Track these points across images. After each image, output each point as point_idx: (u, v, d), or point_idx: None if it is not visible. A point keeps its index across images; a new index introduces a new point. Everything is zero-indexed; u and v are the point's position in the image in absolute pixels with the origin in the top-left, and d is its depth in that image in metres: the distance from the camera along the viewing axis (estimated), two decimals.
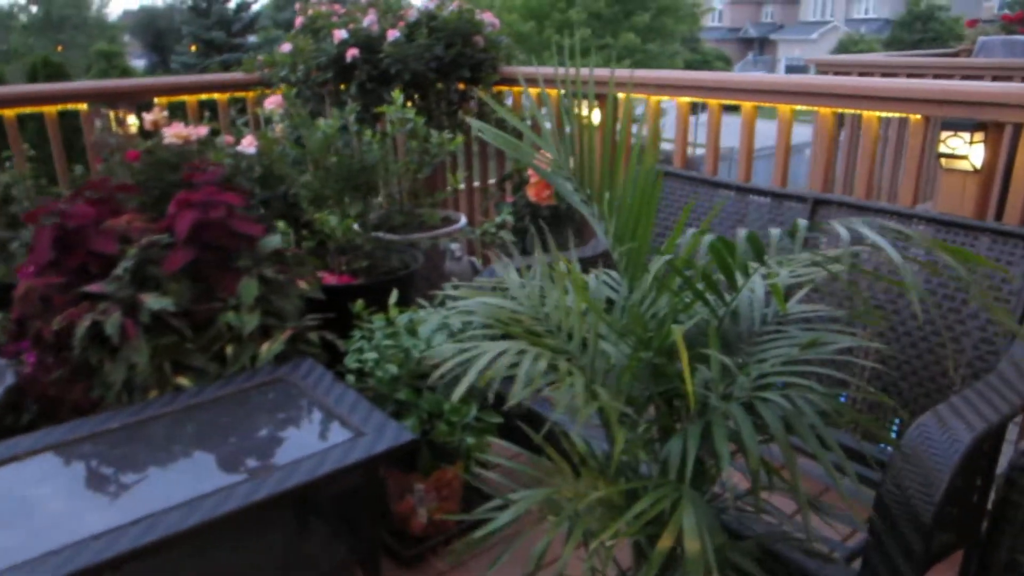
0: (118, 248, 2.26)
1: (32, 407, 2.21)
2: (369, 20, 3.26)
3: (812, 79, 2.74)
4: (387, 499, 2.30)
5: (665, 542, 1.13)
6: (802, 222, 1.27)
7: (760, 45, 41.80)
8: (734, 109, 3.03)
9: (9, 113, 3.20)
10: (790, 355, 1.39)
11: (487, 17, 3.55)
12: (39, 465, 1.82)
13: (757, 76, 3.00)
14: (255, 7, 28.62)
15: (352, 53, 3.19)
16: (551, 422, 1.51)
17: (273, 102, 3.19)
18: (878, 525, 1.41)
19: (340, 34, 3.21)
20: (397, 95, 2.71)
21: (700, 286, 1.46)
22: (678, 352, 1.53)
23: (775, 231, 1.29)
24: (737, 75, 2.74)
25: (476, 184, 3.87)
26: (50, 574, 1.41)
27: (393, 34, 3.19)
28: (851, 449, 1.88)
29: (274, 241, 2.41)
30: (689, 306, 1.53)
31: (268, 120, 3.15)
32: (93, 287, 2.17)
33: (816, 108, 2.65)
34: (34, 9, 41.52)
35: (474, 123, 1.70)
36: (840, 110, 2.75)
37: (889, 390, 1.91)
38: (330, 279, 3.05)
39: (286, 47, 3.39)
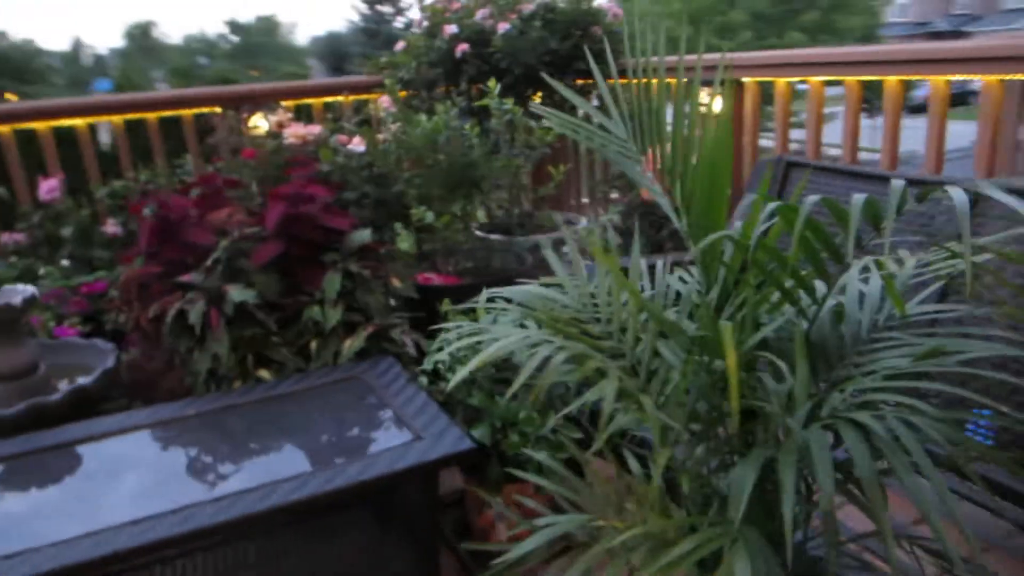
0: (214, 240, 2.30)
1: (123, 390, 2.28)
2: (481, 14, 3.18)
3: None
4: (467, 513, 2.18)
5: None
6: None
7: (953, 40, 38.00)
8: (920, 110, 2.59)
9: (152, 116, 3.41)
10: (899, 367, 1.10)
11: (609, 6, 3.36)
12: (119, 445, 1.86)
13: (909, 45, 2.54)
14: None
15: (462, 48, 3.12)
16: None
17: (386, 102, 3.18)
18: None
19: (450, 29, 3.16)
20: (493, 85, 2.59)
21: (789, 283, 1.22)
22: (756, 361, 1.29)
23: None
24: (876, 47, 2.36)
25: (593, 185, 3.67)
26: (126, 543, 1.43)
27: (504, 27, 3.09)
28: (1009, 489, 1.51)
29: (362, 236, 2.36)
30: (777, 306, 1.28)
31: (382, 121, 3.14)
32: (185, 277, 2.21)
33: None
34: (235, 39, 46.18)
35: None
36: None
37: None
38: (436, 279, 2.99)
39: (400, 46, 3.39)
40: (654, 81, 1.41)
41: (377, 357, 2.19)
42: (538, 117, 3.00)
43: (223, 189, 2.57)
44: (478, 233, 2.83)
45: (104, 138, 4.00)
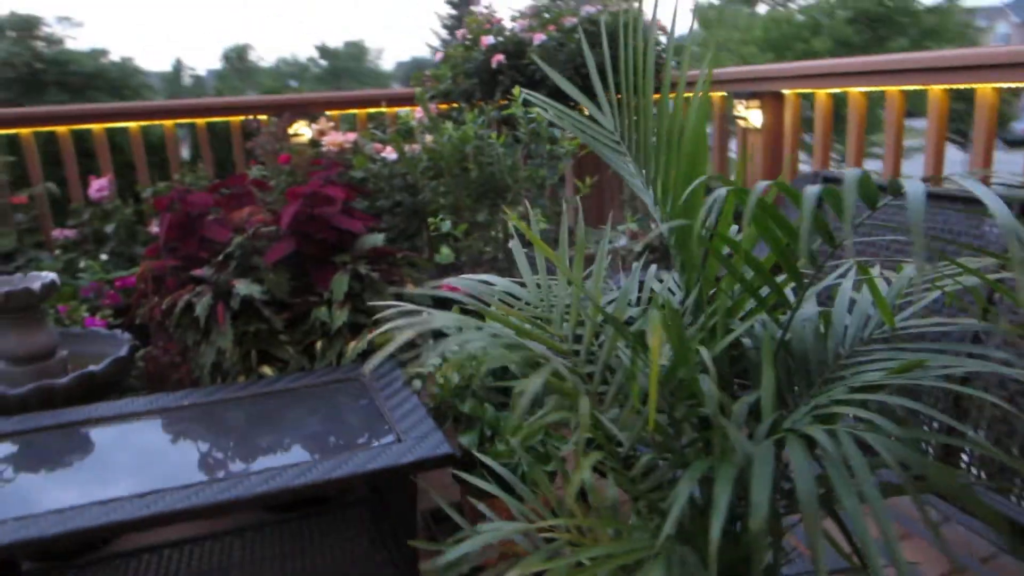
0: (231, 237, 2.32)
1: (138, 380, 2.32)
2: (520, 26, 3.16)
3: None
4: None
5: None
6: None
7: None
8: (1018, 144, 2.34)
9: (200, 122, 3.52)
10: (870, 380, 0.99)
11: (657, 21, 3.29)
12: (115, 428, 1.89)
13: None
14: None
15: (498, 59, 3.11)
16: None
17: (420, 113, 3.19)
18: None
19: (487, 40, 3.15)
20: (517, 92, 2.55)
21: (764, 291, 1.13)
22: (729, 372, 1.19)
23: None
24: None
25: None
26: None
27: (539, 38, 3.06)
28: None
29: (374, 239, 2.35)
30: (752, 313, 1.19)
31: (412, 130, 3.15)
32: (198, 271, 2.24)
33: None
34: (324, 63, 48.00)
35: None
36: None
37: None
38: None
39: (439, 57, 3.40)
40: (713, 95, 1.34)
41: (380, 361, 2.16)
42: (565, 100, 2.95)
43: (251, 190, 2.61)
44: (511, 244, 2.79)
45: (184, 153, 4.18)
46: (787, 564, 1.26)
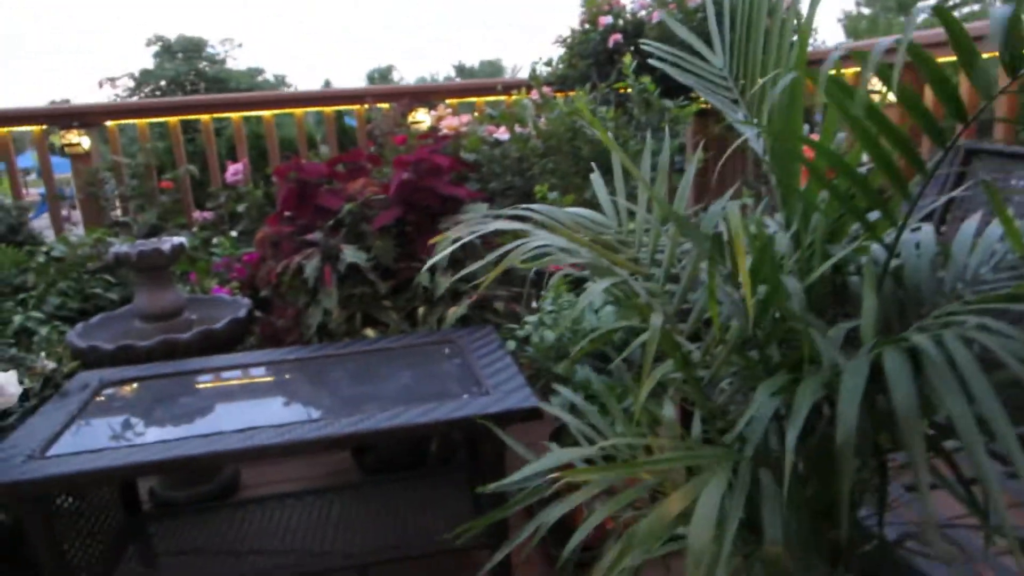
0: (342, 206, 2.40)
1: (254, 341, 2.43)
2: (640, 3, 3.09)
3: None
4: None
5: (670, 506, 0.75)
6: None
7: None
8: None
9: (328, 110, 3.69)
10: (988, 304, 0.86)
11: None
12: (229, 375, 1.99)
13: None
14: None
15: (615, 39, 3.05)
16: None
17: (535, 95, 3.19)
18: None
19: (605, 20, 3.10)
20: (628, 59, 2.48)
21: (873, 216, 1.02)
22: (830, 298, 1.08)
23: None
24: None
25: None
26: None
27: (659, 16, 2.98)
28: None
29: (479, 207, 2.35)
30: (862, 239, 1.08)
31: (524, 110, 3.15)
32: (310, 236, 2.32)
33: None
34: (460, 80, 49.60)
35: (652, 45, 1.45)
36: None
37: None
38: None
39: (557, 38, 3.39)
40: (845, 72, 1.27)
41: (479, 325, 2.16)
42: (676, 95, 2.85)
43: (365, 165, 2.69)
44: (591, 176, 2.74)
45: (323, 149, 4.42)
46: (891, 525, 1.13)
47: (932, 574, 1.30)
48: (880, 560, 1.03)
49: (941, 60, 0.82)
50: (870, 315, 0.90)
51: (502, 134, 3.08)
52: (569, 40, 3.34)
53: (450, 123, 3.34)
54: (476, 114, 3.60)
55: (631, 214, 1.19)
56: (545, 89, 3.07)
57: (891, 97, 0.90)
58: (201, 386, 1.92)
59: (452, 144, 2.77)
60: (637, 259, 1.10)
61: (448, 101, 3.72)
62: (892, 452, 0.94)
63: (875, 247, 1.05)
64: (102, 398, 1.86)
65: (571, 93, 3.44)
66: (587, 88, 2.64)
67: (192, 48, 19.91)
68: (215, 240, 3.22)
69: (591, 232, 1.12)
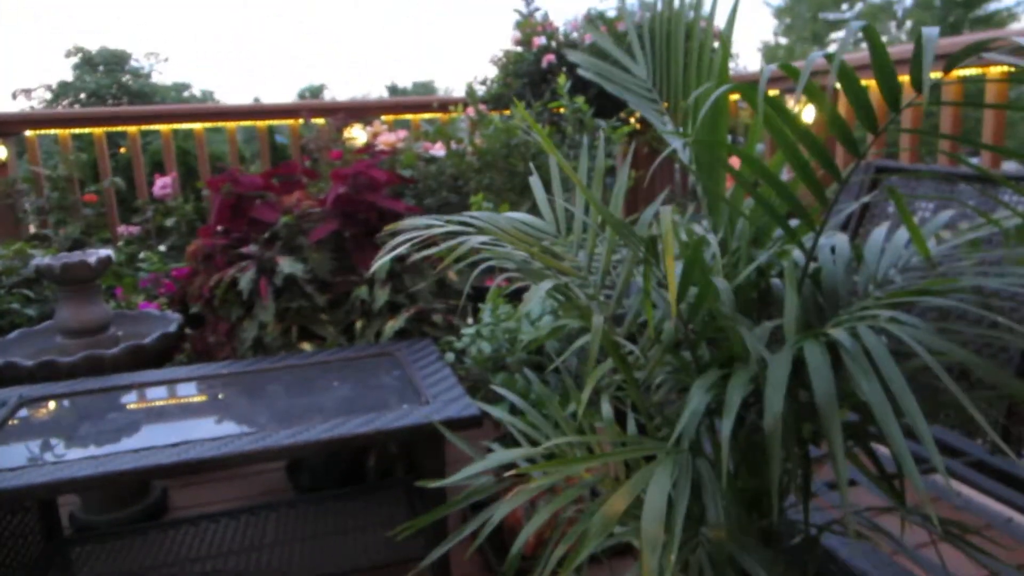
0: (278, 218, 2.37)
1: (185, 357, 2.37)
2: (572, 27, 3.18)
3: None
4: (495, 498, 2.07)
5: (618, 499, 0.78)
6: None
7: None
8: None
9: (261, 124, 3.64)
10: (898, 299, 0.93)
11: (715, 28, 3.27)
12: (157, 391, 1.94)
13: None
14: None
15: (548, 59, 3.13)
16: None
17: (471, 112, 3.23)
18: None
19: (539, 41, 3.18)
20: (562, 80, 2.55)
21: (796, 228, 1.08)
22: (755, 301, 1.14)
23: None
24: None
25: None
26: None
27: (590, 39, 3.07)
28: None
29: (416, 222, 2.36)
30: (784, 243, 1.14)
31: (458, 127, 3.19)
32: (245, 249, 2.29)
33: None
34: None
35: (576, 56, 1.50)
36: None
37: None
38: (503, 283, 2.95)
39: (492, 57, 3.45)
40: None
41: (417, 339, 2.17)
42: (609, 115, 2.95)
43: (301, 179, 2.68)
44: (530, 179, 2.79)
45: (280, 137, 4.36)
46: (817, 512, 1.19)
47: (853, 563, 1.38)
48: (805, 548, 1.09)
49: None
50: (792, 313, 0.96)
51: (438, 150, 3.11)
52: (503, 60, 3.41)
53: (386, 139, 3.36)
54: (412, 130, 3.63)
55: (569, 220, 1.23)
56: (481, 107, 3.12)
57: (807, 114, 0.96)
58: (131, 401, 1.87)
59: (388, 160, 2.78)
60: (576, 264, 1.14)
61: (384, 117, 3.73)
62: (815, 443, 1.00)
63: (795, 252, 1.12)
64: (21, 416, 1.79)
65: (506, 112, 3.51)
66: (522, 106, 2.70)
67: (115, 61, 19.25)
68: (142, 255, 3.13)
69: (531, 238, 1.15)
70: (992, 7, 25.27)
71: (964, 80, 2.38)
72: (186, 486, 2.49)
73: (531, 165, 1.50)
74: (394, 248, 1.27)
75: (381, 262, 1.19)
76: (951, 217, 1.24)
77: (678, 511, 0.81)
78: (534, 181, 1.30)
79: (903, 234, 1.12)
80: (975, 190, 1.74)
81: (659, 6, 1.32)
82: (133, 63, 20.42)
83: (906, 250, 1.12)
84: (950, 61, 0.78)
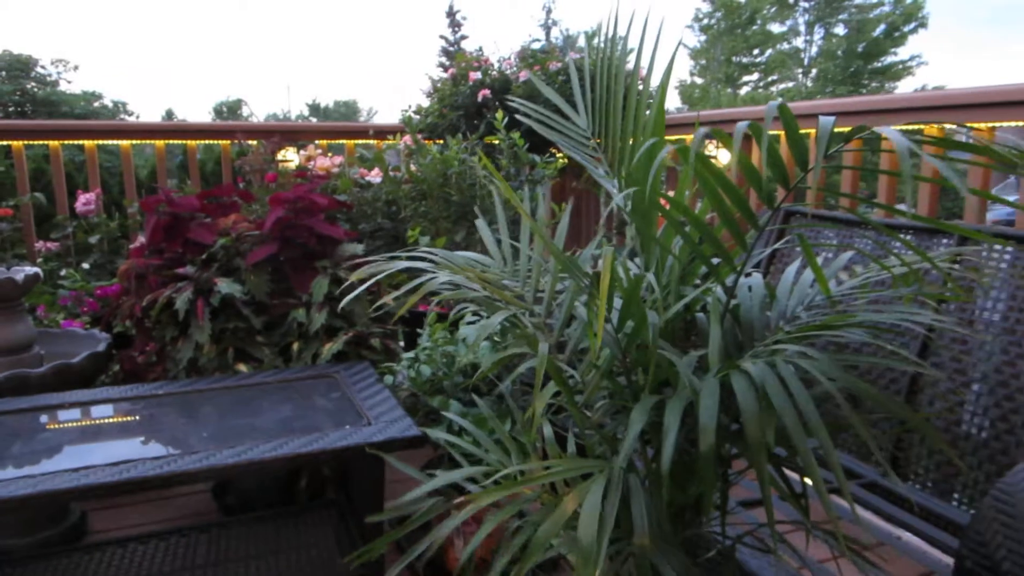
0: (215, 240, 2.39)
1: (114, 378, 2.34)
2: (506, 65, 3.32)
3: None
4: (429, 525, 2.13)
5: (566, 506, 0.88)
6: None
7: None
8: None
9: (192, 143, 3.62)
10: (805, 332, 1.07)
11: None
12: (88, 411, 1.91)
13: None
14: None
15: (484, 94, 3.26)
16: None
17: (408, 140, 3.32)
18: None
19: (475, 76, 3.30)
20: (500, 116, 2.68)
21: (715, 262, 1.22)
22: (685, 334, 1.27)
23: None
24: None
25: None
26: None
27: (525, 75, 3.22)
28: (923, 507, 1.46)
29: (354, 248, 2.43)
30: (704, 278, 1.28)
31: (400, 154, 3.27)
32: (181, 269, 2.29)
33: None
34: (313, 120, 48.71)
35: (518, 102, 1.62)
36: None
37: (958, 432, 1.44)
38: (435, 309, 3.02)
39: (427, 88, 3.55)
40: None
41: (355, 362, 2.22)
42: (543, 150, 3.09)
43: (236, 201, 2.69)
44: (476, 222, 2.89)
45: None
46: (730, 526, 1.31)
47: (762, 573, 1.51)
48: (722, 559, 1.21)
49: (771, 132, 1.03)
50: (715, 344, 1.09)
51: (375, 176, 3.18)
52: (439, 91, 3.51)
53: (322, 163, 3.40)
54: (347, 155, 3.67)
55: (515, 255, 1.34)
56: (418, 136, 3.21)
57: (724, 164, 1.10)
58: (63, 421, 1.85)
59: (324, 185, 2.83)
60: (522, 296, 1.24)
61: (318, 142, 3.77)
62: (729, 464, 1.13)
63: (717, 289, 1.25)
64: None
65: (439, 141, 3.61)
66: (459, 138, 2.81)
67: (19, 66, 18.33)
68: (63, 272, 3.05)
69: (483, 273, 1.25)
70: (888, 60, 27.25)
71: (863, 143, 2.65)
72: (107, 508, 2.44)
73: (476, 198, 1.60)
74: (353, 285, 1.33)
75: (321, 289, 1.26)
76: (850, 258, 1.41)
77: (607, 520, 0.91)
78: (480, 223, 1.40)
79: (808, 275, 1.27)
80: (868, 238, 1.94)
81: (603, 45, 1.44)
82: (39, 70, 19.52)
83: (811, 289, 1.27)
84: (848, 134, 0.93)
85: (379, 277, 1.11)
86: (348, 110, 51.39)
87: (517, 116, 1.61)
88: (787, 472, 1.15)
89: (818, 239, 2.20)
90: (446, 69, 3.74)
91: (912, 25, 26.19)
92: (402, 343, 2.49)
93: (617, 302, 1.19)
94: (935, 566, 1.72)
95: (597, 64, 1.51)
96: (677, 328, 1.26)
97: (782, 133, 2.76)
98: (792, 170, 2.84)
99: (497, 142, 2.81)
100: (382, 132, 3.79)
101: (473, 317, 1.97)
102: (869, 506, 1.69)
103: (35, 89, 18.72)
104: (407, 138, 3.27)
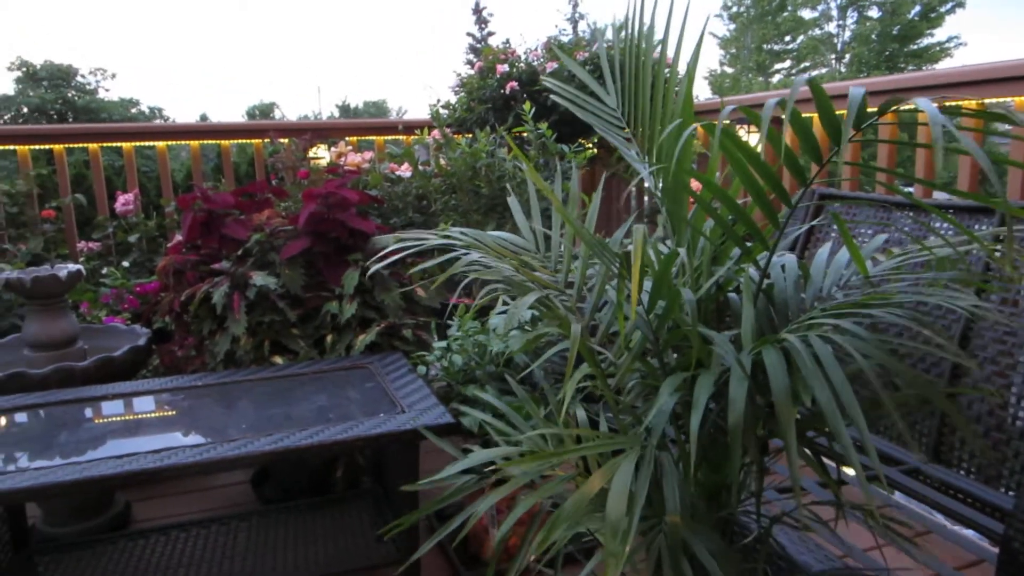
0: (249, 235, 2.43)
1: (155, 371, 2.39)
2: (533, 56, 3.32)
3: None
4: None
5: (592, 484, 0.88)
6: None
7: None
8: None
9: (225, 143, 3.68)
10: (840, 309, 1.06)
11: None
12: (132, 402, 1.96)
13: None
14: None
15: (511, 86, 3.26)
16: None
17: (437, 134, 3.33)
18: None
19: (502, 68, 3.30)
20: (528, 107, 2.68)
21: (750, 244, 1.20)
22: (717, 313, 1.26)
23: None
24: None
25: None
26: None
27: (552, 66, 3.21)
28: (969, 493, 1.42)
29: (385, 240, 2.45)
30: (736, 260, 1.26)
31: (428, 149, 3.28)
32: (217, 264, 2.34)
33: None
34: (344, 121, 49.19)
35: (549, 81, 1.61)
36: None
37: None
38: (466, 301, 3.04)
39: (455, 83, 3.56)
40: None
41: (388, 352, 2.24)
42: (571, 141, 3.08)
43: (270, 197, 2.73)
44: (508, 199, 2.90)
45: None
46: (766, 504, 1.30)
47: (798, 559, 1.49)
48: (759, 539, 1.20)
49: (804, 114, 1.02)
50: (748, 323, 1.07)
51: (404, 171, 3.20)
52: (467, 85, 3.52)
53: (353, 159, 3.43)
54: (377, 151, 3.70)
55: (547, 238, 1.34)
56: (446, 130, 3.23)
57: (756, 145, 1.09)
58: (106, 412, 1.90)
59: (355, 180, 2.86)
60: (554, 279, 1.24)
61: (348, 138, 3.80)
62: (765, 448, 1.12)
63: (751, 269, 1.24)
64: None
65: (469, 135, 3.62)
66: (487, 131, 2.81)
67: (60, 76, 18.83)
68: (104, 270, 3.13)
69: (514, 254, 1.25)
70: (925, 42, 26.62)
71: (900, 117, 2.59)
72: (149, 499, 2.49)
73: (508, 187, 1.60)
74: (382, 258, 1.34)
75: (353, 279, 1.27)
76: (885, 241, 1.38)
77: (639, 497, 0.91)
78: (512, 202, 1.40)
79: (844, 255, 1.25)
80: (909, 217, 1.91)
81: (631, 33, 1.43)
82: (79, 79, 20.00)
83: (846, 270, 1.25)
84: (882, 107, 0.91)
85: (412, 251, 1.12)
86: (377, 110, 51.73)
87: (549, 101, 1.60)
88: (826, 461, 1.13)
89: (854, 219, 2.17)
90: (473, 65, 3.75)
91: (949, 5, 25.58)
92: (435, 336, 2.50)
93: (647, 284, 1.18)
94: (984, 554, 1.69)
95: (626, 52, 1.50)
96: (709, 310, 1.25)
97: (815, 115, 2.72)
98: (826, 149, 2.80)
99: (526, 134, 2.81)
100: (411, 127, 3.81)
101: (503, 308, 1.98)
102: (913, 493, 1.66)
103: (75, 97, 19.20)
104: (436, 132, 3.28)
